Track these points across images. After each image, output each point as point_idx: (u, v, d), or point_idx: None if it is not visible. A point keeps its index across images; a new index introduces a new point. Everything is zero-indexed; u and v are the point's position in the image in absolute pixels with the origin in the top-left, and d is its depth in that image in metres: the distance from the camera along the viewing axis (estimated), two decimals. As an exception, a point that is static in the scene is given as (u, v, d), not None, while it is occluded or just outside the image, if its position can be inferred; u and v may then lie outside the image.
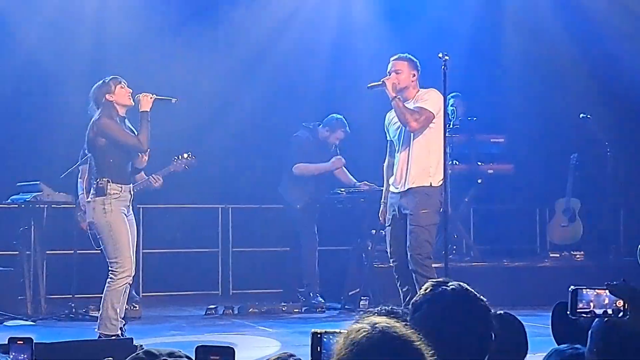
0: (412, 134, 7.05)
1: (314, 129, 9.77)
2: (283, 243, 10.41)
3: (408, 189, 7.01)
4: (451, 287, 2.74)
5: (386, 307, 3.00)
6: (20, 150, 10.29)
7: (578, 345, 2.89)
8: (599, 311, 2.68)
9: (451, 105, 9.90)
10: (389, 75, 7.10)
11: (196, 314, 9.35)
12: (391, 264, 7.22)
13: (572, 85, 11.54)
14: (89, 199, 6.86)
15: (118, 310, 6.59)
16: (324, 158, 9.65)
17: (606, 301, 2.68)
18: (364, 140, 9.83)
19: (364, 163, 9.70)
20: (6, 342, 2.77)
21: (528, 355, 3.31)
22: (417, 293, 2.87)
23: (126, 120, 6.87)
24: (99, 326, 6.62)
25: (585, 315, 2.70)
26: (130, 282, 6.78)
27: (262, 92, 11.30)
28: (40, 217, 8.98)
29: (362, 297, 9.29)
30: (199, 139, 10.39)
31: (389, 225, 7.22)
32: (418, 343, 2.19)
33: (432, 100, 7.03)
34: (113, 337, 6.48)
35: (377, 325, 2.19)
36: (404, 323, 2.32)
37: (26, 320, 8.49)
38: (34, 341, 2.80)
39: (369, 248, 9.46)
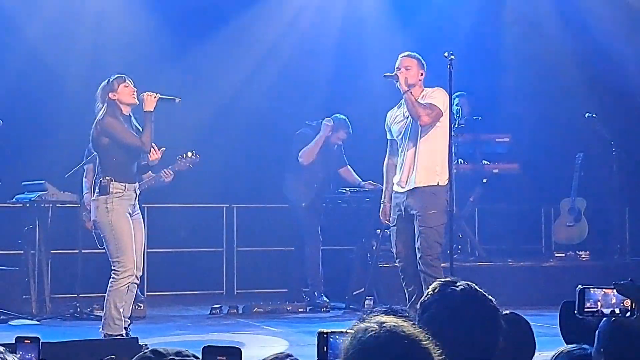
0: (418, 133, 7.04)
1: (317, 126, 9.77)
2: (287, 243, 10.42)
3: (414, 188, 7.00)
4: (460, 287, 2.74)
5: (384, 306, 2.99)
6: (25, 149, 10.29)
7: (586, 346, 2.88)
8: (606, 311, 2.68)
9: (456, 105, 9.90)
10: (399, 70, 7.09)
11: (201, 314, 9.35)
12: (397, 264, 7.22)
13: (577, 84, 11.52)
14: (93, 198, 6.85)
15: (121, 310, 6.58)
16: (326, 156, 9.65)
17: (614, 301, 2.68)
18: (368, 139, 9.82)
19: (368, 162, 9.68)
20: (13, 342, 2.77)
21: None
22: (423, 293, 2.86)
23: (132, 119, 6.86)
24: (103, 326, 6.62)
25: (592, 315, 2.70)
26: (138, 282, 6.77)
27: (266, 92, 11.29)
28: (45, 216, 8.98)
29: (366, 297, 9.28)
30: (204, 138, 10.39)
31: (394, 225, 7.20)
32: (426, 342, 2.19)
33: (440, 98, 7.03)
34: (118, 337, 6.48)
35: (384, 325, 2.18)
36: (411, 322, 2.31)
37: (31, 319, 8.49)
38: (41, 340, 2.80)
39: (374, 247, 9.45)
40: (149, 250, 10.47)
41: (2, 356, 2.21)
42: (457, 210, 8.11)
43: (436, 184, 7.00)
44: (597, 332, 2.72)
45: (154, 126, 6.75)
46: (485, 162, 10.52)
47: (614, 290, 2.67)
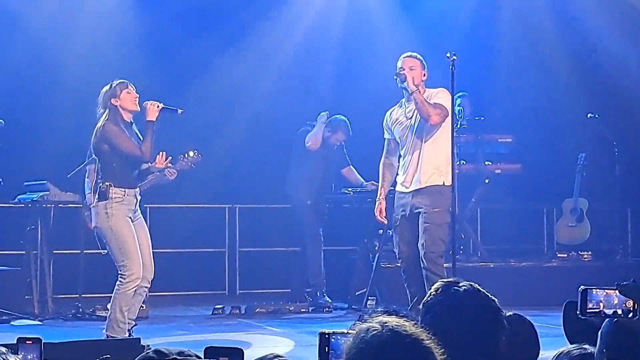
0: (423, 133, 7.05)
1: (317, 125, 9.79)
2: (290, 243, 10.42)
3: (421, 188, 7.00)
4: (463, 287, 2.74)
5: (384, 307, 2.99)
6: (27, 149, 10.29)
7: (586, 346, 2.88)
8: (608, 311, 2.68)
9: (458, 105, 9.89)
10: (403, 70, 7.08)
11: (203, 314, 9.35)
12: (399, 265, 7.21)
13: (580, 84, 11.52)
14: (92, 204, 6.80)
15: (126, 314, 6.56)
16: (326, 155, 9.65)
17: (616, 301, 2.67)
18: (371, 139, 9.81)
19: (370, 163, 9.67)
20: (15, 342, 2.77)
21: (535, 355, 3.31)
22: (425, 293, 2.86)
23: (133, 126, 6.81)
24: (107, 328, 6.59)
25: (594, 316, 2.69)
26: (148, 286, 6.74)
27: (269, 92, 11.29)
28: (47, 216, 8.99)
29: (369, 297, 9.28)
30: (206, 138, 10.37)
31: (397, 226, 7.20)
32: (428, 342, 2.19)
33: (445, 98, 7.03)
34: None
35: (387, 325, 2.19)
36: (412, 322, 2.31)
37: (33, 319, 8.50)
38: (43, 341, 2.79)
39: (376, 248, 9.45)
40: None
41: (5, 357, 2.21)
42: (459, 211, 8.12)
43: (442, 183, 7.01)
44: (599, 332, 2.71)
45: (155, 136, 6.67)
46: (488, 162, 10.52)
47: (616, 291, 2.67)
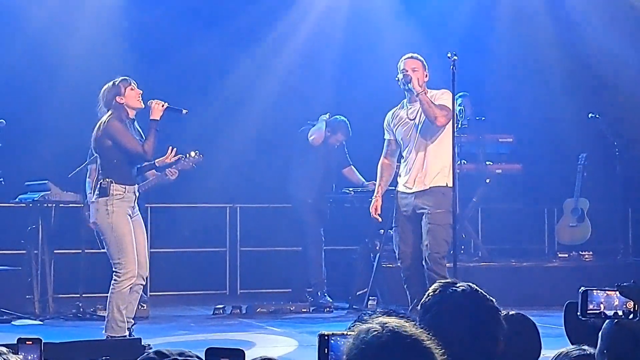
0: (427, 135, 7.05)
1: (317, 125, 9.79)
2: (291, 243, 10.42)
3: (425, 189, 7.01)
4: (461, 288, 2.75)
5: (384, 308, 3.00)
6: (28, 149, 10.29)
7: (585, 347, 2.88)
8: (609, 312, 2.68)
9: (459, 105, 9.89)
10: (406, 71, 7.07)
11: (204, 314, 9.35)
12: (399, 265, 7.21)
13: (580, 84, 11.52)
14: (92, 200, 6.80)
15: (124, 312, 6.54)
16: (326, 155, 9.65)
17: (616, 302, 2.67)
18: (371, 139, 9.81)
19: (371, 163, 9.67)
20: (15, 342, 2.77)
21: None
22: (426, 293, 2.87)
23: (135, 123, 6.82)
24: (106, 328, 6.57)
25: (595, 317, 2.69)
26: (143, 283, 6.76)
27: (270, 92, 11.29)
28: (48, 216, 8.99)
29: (370, 297, 9.28)
30: (207, 138, 10.38)
31: (396, 226, 7.20)
32: (428, 343, 2.19)
33: (449, 99, 7.03)
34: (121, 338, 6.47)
35: (387, 325, 2.19)
36: (412, 323, 2.31)
37: (34, 319, 8.50)
38: (43, 341, 2.79)
39: (377, 248, 9.45)
40: (152, 250, 10.46)
41: (5, 357, 2.21)
42: (460, 211, 8.12)
43: (445, 185, 7.03)
44: (600, 333, 2.71)
45: (158, 135, 6.67)
46: (489, 162, 10.52)
47: (617, 292, 2.67)
